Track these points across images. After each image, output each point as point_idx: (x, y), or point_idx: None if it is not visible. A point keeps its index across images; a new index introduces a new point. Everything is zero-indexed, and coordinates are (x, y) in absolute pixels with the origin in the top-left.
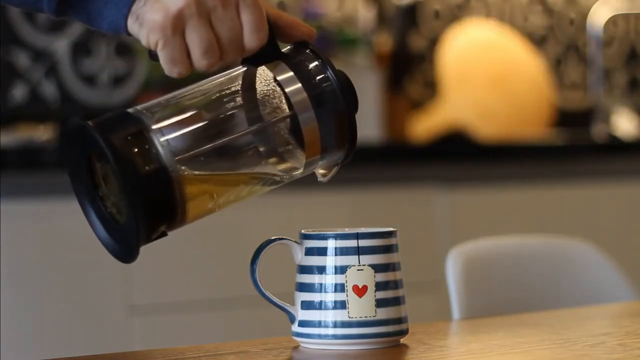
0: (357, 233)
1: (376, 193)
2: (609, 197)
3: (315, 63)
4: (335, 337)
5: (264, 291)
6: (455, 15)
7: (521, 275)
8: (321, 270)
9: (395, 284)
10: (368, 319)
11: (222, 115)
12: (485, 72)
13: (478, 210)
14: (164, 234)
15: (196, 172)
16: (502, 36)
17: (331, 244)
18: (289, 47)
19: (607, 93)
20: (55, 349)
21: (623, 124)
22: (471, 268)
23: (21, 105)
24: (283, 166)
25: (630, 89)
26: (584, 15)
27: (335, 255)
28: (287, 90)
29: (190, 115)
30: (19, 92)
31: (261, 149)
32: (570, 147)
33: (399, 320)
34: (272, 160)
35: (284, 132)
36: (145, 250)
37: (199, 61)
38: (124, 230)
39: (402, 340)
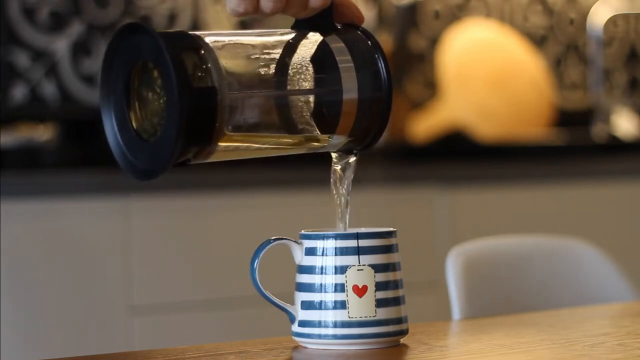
0: (357, 233)
1: (376, 193)
2: (609, 197)
3: (367, 44)
4: (335, 337)
5: (264, 291)
6: (455, 15)
7: (521, 275)
8: (321, 270)
9: (395, 284)
10: (368, 319)
11: (273, 69)
12: (485, 72)
13: (478, 210)
14: (187, 162)
15: (236, 111)
16: (502, 36)
17: (331, 244)
18: (339, 25)
19: (607, 93)
20: (55, 348)
21: (623, 124)
22: (471, 268)
23: (21, 105)
24: (311, 134)
25: (630, 89)
26: (584, 15)
27: (335, 255)
28: (337, 58)
29: (244, 58)
30: (19, 92)
31: (297, 113)
32: (570, 147)
33: (399, 320)
34: (304, 126)
35: (321, 102)
36: (145, 250)
37: (266, 2)
38: (154, 146)
39: (402, 340)
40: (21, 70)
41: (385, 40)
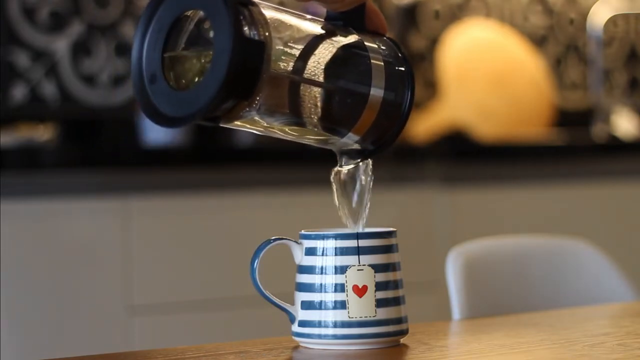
0: (357, 233)
1: (376, 193)
2: (609, 197)
3: (397, 54)
4: (335, 337)
5: (264, 291)
6: (455, 15)
7: (521, 275)
8: (321, 270)
9: (395, 284)
10: (368, 319)
11: (309, 55)
12: (485, 72)
13: (478, 210)
14: (216, 120)
15: (275, 84)
16: (502, 36)
17: (331, 244)
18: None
19: (607, 93)
20: (55, 349)
21: (623, 124)
22: (471, 268)
23: (21, 105)
24: (331, 124)
25: (630, 89)
26: (584, 15)
27: (335, 255)
28: (370, 55)
29: (287, 36)
30: (19, 92)
31: (323, 101)
32: (570, 147)
33: (399, 320)
34: (326, 114)
35: (348, 93)
36: (145, 250)
37: None
38: (190, 93)
39: (402, 340)
40: (21, 70)
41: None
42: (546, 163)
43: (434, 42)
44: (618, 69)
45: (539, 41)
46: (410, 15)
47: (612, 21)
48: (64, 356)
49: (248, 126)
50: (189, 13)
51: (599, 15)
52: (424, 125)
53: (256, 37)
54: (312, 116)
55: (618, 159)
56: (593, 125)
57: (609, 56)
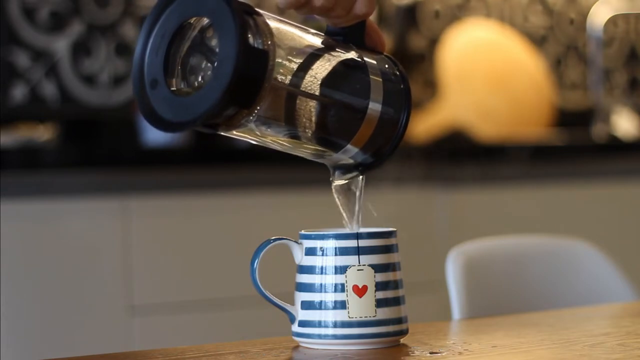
0: (357, 233)
1: (376, 193)
2: (609, 197)
3: (395, 72)
4: (335, 337)
5: (264, 291)
6: (455, 15)
7: (521, 275)
8: (321, 270)
9: (395, 284)
10: (368, 319)
11: (310, 67)
12: (485, 72)
13: (478, 210)
14: (216, 127)
15: (275, 94)
16: (502, 36)
17: (331, 244)
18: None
19: (607, 93)
20: (55, 349)
21: (623, 124)
22: (471, 268)
23: (21, 105)
24: (329, 137)
25: (630, 89)
26: (584, 15)
27: (335, 255)
28: (369, 70)
29: (289, 47)
30: (19, 92)
31: (320, 115)
32: (570, 147)
33: (399, 320)
34: (325, 127)
35: (347, 107)
36: (145, 250)
37: None
38: (191, 99)
39: (402, 340)
40: (21, 70)
41: (385, 40)
42: (546, 163)
43: (434, 42)
44: (618, 69)
45: (539, 41)
46: (410, 15)
47: (612, 21)
48: (64, 356)
49: (246, 136)
50: (192, 20)
51: (599, 15)
52: (424, 125)
53: (260, 47)
54: (309, 129)
55: (618, 159)
56: (593, 125)
57: (608, 56)
